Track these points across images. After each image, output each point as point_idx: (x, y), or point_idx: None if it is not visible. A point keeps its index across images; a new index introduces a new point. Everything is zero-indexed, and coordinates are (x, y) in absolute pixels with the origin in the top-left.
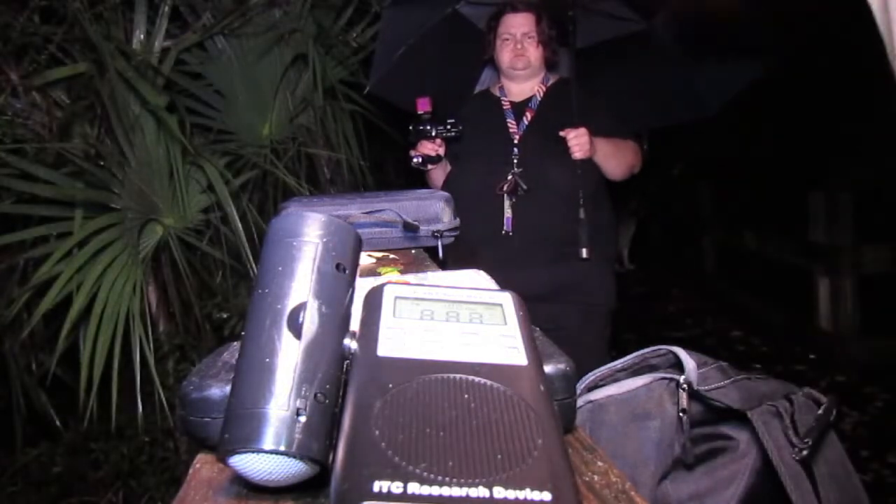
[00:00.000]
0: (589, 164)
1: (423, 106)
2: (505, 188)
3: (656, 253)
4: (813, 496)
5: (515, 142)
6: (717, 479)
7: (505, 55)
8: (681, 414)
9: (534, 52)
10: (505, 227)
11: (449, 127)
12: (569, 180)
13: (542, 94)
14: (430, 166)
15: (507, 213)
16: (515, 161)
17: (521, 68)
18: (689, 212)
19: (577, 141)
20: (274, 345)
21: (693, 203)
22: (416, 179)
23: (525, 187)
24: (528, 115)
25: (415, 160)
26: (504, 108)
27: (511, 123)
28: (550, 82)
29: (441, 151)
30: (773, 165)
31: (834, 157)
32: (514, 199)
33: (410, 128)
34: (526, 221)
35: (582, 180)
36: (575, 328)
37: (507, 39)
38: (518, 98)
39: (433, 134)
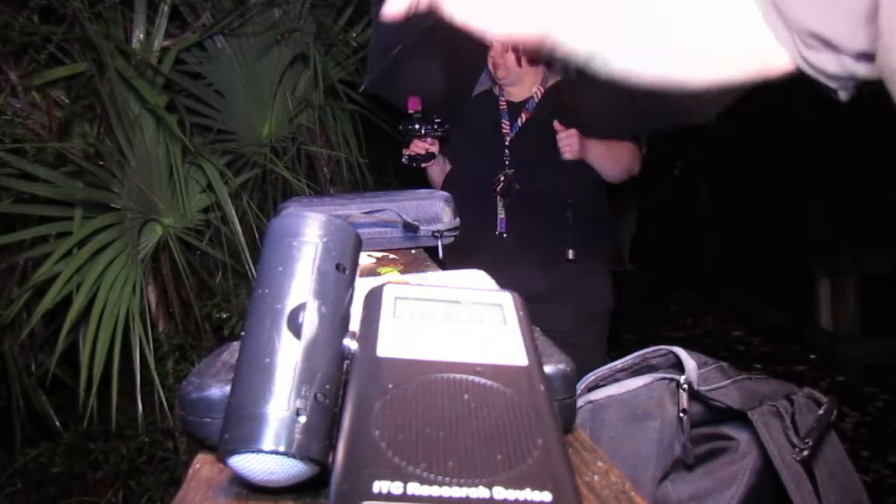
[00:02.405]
0: (583, 165)
1: (414, 105)
2: (498, 189)
3: (656, 253)
4: (813, 497)
5: (506, 143)
6: (717, 480)
7: (489, 66)
8: (681, 414)
9: (509, 59)
10: (499, 228)
11: (436, 126)
12: (562, 182)
13: (540, 96)
14: (422, 165)
15: (501, 213)
16: (507, 162)
17: (501, 77)
18: (689, 212)
19: (567, 142)
20: (274, 345)
21: (693, 203)
22: (413, 179)
23: (519, 188)
24: (524, 117)
25: (405, 159)
26: (500, 108)
27: (504, 124)
28: (550, 83)
29: (433, 149)
30: (773, 166)
31: (834, 157)
32: (507, 200)
33: (400, 127)
34: (520, 222)
35: (574, 182)
36: (571, 330)
37: (490, 50)
38: (516, 99)
39: (422, 132)
